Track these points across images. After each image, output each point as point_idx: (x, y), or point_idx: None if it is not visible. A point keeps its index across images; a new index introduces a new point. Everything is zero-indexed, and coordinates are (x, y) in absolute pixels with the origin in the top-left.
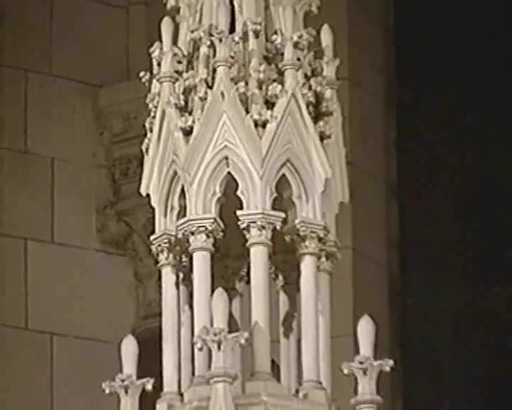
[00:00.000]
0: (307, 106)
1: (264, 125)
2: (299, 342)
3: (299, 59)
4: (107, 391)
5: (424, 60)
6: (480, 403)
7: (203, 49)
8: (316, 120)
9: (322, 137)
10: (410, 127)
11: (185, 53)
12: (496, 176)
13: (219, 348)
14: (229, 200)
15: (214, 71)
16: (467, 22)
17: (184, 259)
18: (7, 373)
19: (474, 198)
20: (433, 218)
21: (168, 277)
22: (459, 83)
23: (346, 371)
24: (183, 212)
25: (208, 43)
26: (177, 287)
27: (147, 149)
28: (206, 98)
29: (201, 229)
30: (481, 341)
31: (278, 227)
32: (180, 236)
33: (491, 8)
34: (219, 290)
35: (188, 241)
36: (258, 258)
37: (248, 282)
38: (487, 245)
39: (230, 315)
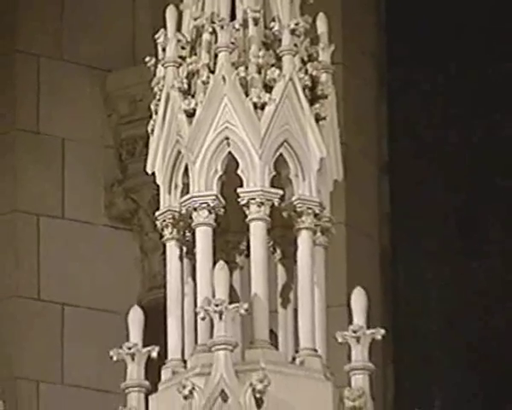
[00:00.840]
0: (304, 89)
1: (262, 108)
2: (295, 312)
3: (296, 45)
4: (114, 358)
5: (414, 45)
6: (467, 364)
7: (205, 36)
8: (312, 102)
9: (318, 119)
10: (401, 109)
11: (188, 39)
12: (481, 153)
13: (221, 317)
14: (230, 178)
15: (216, 56)
16: (457, 9)
17: (187, 233)
18: (21, 341)
19: (461, 175)
20: (422, 194)
21: (172, 250)
22: (448, 67)
23: (340, 340)
24: (186, 189)
25: (210, 30)
26: (181, 260)
27: (152, 130)
28: (208, 82)
29: (204, 205)
30: (467, 307)
31: (276, 204)
32: (183, 212)
33: None
34: (221, 263)
35: (191, 217)
36: (258, 233)
37: (248, 255)
38: (472, 220)
39: (231, 287)
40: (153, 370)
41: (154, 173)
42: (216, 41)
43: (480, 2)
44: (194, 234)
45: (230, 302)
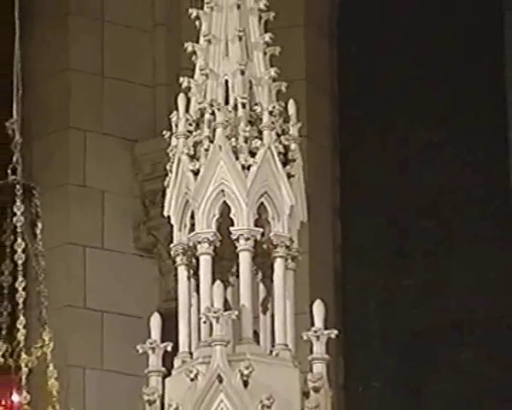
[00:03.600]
0: (278, 155)
1: (248, 168)
2: (272, 317)
3: (273, 122)
4: (140, 351)
5: (361, 119)
6: (398, 356)
7: (207, 116)
8: (284, 164)
9: (289, 176)
10: (349, 169)
11: (194, 118)
12: (408, 199)
13: (218, 321)
14: (225, 219)
15: (214, 130)
16: (393, 89)
17: (193, 260)
18: (72, 338)
19: (394, 216)
20: (365, 232)
21: (182, 273)
22: (386, 136)
23: (305, 338)
24: (192, 228)
25: (210, 111)
26: (189, 280)
27: (168, 185)
28: (208, 149)
29: (205, 240)
30: (398, 313)
31: (258, 238)
32: (190, 244)
33: (427, 72)
34: (217, 282)
35: (196, 248)
36: (245, 260)
37: (238, 276)
38: (402, 248)
39: (225, 299)
40: (168, 359)
41: (169, 216)
42: (214, 119)
43: (427, 75)
44: (198, 261)
45: (225, 310)
